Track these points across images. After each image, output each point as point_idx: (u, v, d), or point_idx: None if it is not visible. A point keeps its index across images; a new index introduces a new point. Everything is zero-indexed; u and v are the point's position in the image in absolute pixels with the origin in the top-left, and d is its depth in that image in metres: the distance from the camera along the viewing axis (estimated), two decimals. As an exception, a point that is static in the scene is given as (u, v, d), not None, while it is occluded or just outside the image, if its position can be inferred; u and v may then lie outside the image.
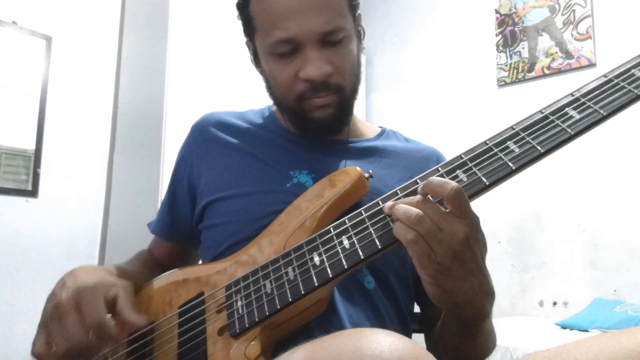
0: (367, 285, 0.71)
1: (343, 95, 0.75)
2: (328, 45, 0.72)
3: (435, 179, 0.54)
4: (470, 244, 0.54)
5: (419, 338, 0.79)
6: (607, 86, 0.56)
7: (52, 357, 0.58)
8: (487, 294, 0.58)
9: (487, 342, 0.68)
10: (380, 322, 0.70)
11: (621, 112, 0.54)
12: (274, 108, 0.89)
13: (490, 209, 2.37)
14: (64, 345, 0.57)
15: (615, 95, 0.54)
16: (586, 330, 1.86)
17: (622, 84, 0.55)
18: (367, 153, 0.82)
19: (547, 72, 2.50)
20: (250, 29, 0.77)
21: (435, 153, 0.87)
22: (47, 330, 0.60)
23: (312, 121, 0.76)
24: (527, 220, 2.42)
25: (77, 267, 0.67)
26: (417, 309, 0.84)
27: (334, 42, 0.72)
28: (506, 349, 1.70)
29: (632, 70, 0.55)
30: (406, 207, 0.54)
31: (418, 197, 0.55)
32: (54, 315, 0.60)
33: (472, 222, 0.54)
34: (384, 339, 0.37)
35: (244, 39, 0.84)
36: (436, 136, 2.43)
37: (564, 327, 1.97)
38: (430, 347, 0.79)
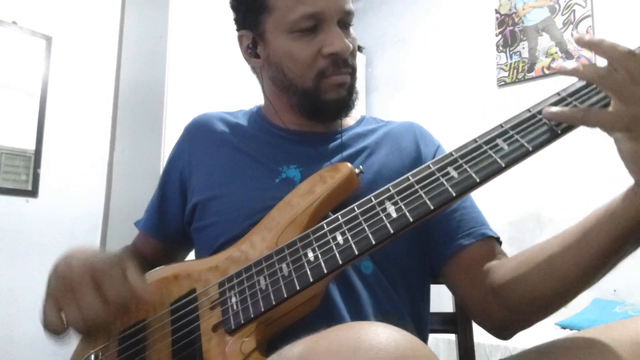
0: (364, 270, 0.71)
1: (354, 77, 0.80)
2: (343, 27, 0.77)
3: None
4: None
5: (433, 338, 0.77)
6: (588, 89, 0.57)
7: (68, 329, 0.56)
8: None
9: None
10: (378, 307, 0.70)
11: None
12: (262, 105, 0.90)
13: (490, 209, 2.36)
14: (84, 320, 0.55)
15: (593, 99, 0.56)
16: (586, 330, 1.85)
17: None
18: (351, 140, 0.83)
19: (547, 72, 2.50)
20: (259, 11, 0.77)
21: (414, 125, 0.89)
22: (58, 304, 0.57)
23: (325, 103, 0.77)
24: (527, 220, 2.41)
25: (76, 248, 0.64)
26: (431, 309, 0.82)
27: (347, 25, 0.78)
28: (506, 349, 1.69)
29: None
30: (596, 67, 0.52)
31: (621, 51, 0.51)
32: (66, 287, 0.56)
33: None
34: (382, 331, 0.38)
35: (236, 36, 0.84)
36: (436, 136, 2.41)
37: (564, 327, 1.97)
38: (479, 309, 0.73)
